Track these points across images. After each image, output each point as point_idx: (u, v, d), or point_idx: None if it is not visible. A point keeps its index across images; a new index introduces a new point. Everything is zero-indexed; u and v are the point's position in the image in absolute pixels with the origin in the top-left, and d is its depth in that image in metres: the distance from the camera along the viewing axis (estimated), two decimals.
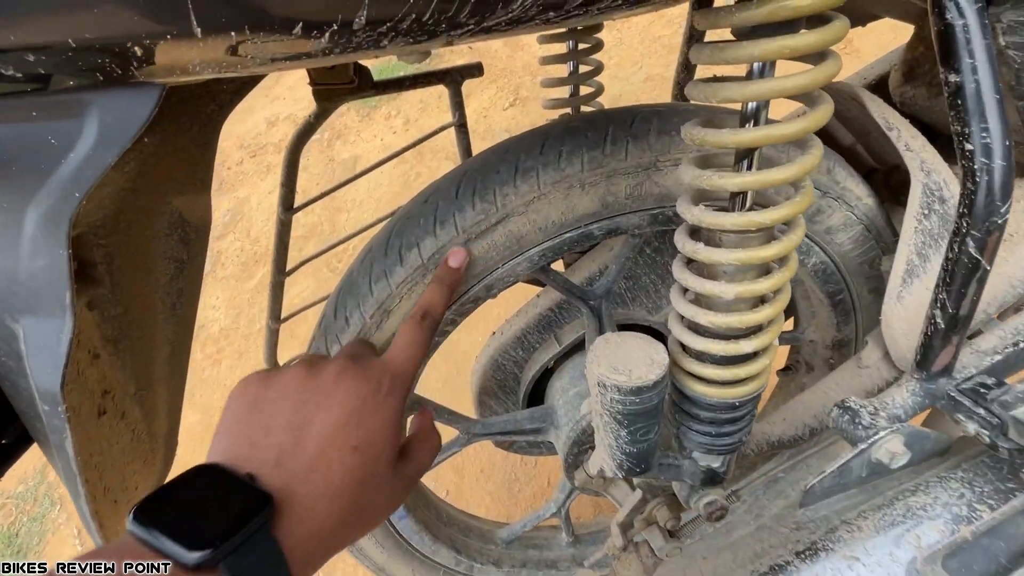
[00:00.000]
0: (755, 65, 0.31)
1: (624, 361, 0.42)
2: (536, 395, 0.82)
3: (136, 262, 0.63)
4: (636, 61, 2.28)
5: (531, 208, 0.50)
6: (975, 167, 0.37)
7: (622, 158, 0.49)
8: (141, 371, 0.69)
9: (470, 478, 1.30)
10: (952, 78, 0.36)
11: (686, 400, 0.46)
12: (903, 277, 0.55)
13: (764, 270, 0.39)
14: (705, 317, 0.40)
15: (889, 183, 0.70)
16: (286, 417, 0.35)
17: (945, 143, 0.59)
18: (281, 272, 0.74)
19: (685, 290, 0.43)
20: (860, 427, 0.46)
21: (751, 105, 0.33)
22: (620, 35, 2.43)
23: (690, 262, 0.42)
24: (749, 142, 0.31)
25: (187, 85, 0.60)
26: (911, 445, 0.45)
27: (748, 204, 0.36)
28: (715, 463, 0.51)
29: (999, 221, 0.37)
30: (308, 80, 0.60)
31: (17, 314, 0.40)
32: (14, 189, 0.34)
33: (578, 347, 0.77)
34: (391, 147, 2.32)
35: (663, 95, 2.07)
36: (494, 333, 0.82)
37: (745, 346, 0.40)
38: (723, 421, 0.46)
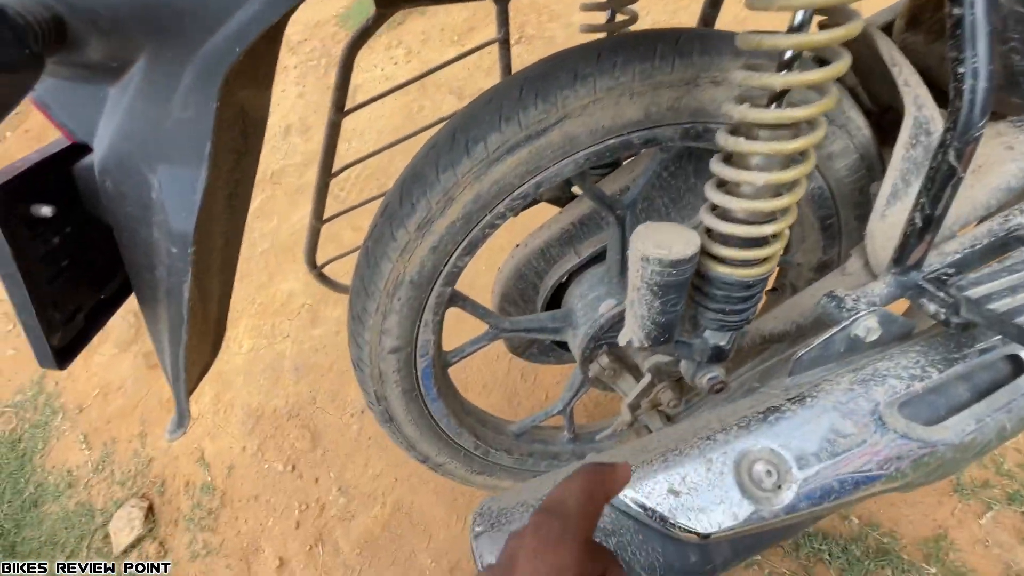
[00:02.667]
0: None
1: (664, 242, 0.50)
2: (553, 303, 0.90)
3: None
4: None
5: (586, 111, 0.57)
6: (963, 87, 0.45)
7: (668, 71, 0.56)
8: (199, 257, 0.74)
9: (473, 392, 1.41)
10: (956, 11, 0.44)
11: (707, 282, 0.55)
12: (888, 198, 0.65)
13: (788, 163, 0.48)
14: (736, 203, 0.48)
15: (883, 124, 0.79)
16: None
17: (935, 89, 0.68)
18: (327, 173, 0.79)
19: (720, 183, 0.52)
20: (844, 310, 0.57)
21: (799, 17, 0.40)
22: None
23: (728, 159, 0.50)
24: (799, 45, 0.39)
25: None
26: (883, 325, 0.56)
27: (785, 104, 0.44)
28: (722, 340, 0.61)
29: (976, 135, 0.47)
30: None
31: (155, 163, 0.46)
32: (181, 43, 0.39)
33: (596, 259, 0.85)
34: (391, 77, 2.29)
35: None
36: (518, 245, 0.89)
37: (766, 229, 0.49)
38: (736, 299, 0.56)
